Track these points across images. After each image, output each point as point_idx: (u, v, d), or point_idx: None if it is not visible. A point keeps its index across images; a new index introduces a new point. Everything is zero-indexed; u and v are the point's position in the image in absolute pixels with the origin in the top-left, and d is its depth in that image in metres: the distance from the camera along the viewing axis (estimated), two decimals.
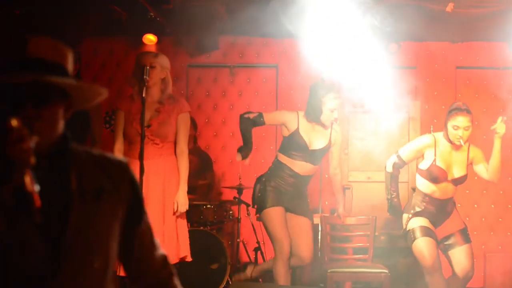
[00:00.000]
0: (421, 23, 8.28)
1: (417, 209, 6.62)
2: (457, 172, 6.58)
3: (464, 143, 6.42)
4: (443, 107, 9.31)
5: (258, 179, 6.89)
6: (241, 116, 6.81)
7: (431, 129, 7.30)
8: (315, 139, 6.76)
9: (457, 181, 6.59)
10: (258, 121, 6.76)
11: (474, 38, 8.94)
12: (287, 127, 6.76)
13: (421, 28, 8.47)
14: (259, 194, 6.78)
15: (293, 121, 6.76)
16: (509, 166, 9.29)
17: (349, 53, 7.69)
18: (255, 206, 6.93)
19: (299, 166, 6.74)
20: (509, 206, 9.35)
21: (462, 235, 6.72)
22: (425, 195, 6.61)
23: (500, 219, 9.36)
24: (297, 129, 6.72)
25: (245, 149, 6.73)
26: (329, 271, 6.75)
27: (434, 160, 6.50)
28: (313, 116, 6.70)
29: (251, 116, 6.75)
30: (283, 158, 6.80)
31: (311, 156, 6.74)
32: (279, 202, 6.70)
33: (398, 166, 6.72)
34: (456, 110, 6.39)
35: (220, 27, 8.50)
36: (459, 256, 6.63)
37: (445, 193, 6.59)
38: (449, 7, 7.55)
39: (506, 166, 9.27)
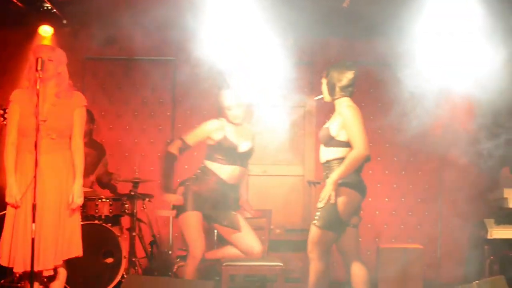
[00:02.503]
0: (317, 19, 8.39)
1: None
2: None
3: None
4: None
5: (182, 183, 6.78)
6: (166, 154, 6.69)
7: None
8: (242, 141, 6.68)
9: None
10: (184, 149, 6.69)
11: (371, 34, 9.10)
12: (212, 138, 6.66)
13: (317, 23, 8.58)
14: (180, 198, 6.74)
15: (218, 129, 6.68)
16: (396, 162, 9.56)
17: (246, 47, 7.73)
18: (175, 209, 6.84)
19: (228, 172, 6.64)
20: (402, 199, 9.58)
21: None
22: None
23: (393, 212, 9.59)
24: (225, 135, 6.64)
25: (169, 184, 6.65)
26: (223, 264, 6.78)
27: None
28: (227, 118, 6.70)
29: (174, 148, 6.67)
30: (210, 165, 6.69)
31: (240, 159, 6.68)
32: (198, 208, 6.62)
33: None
34: None
35: (117, 19, 8.43)
36: None
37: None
38: (346, 3, 7.68)
39: (392, 162, 9.54)
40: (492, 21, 7.66)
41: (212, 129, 6.67)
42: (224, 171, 6.64)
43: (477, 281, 6.21)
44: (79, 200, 5.93)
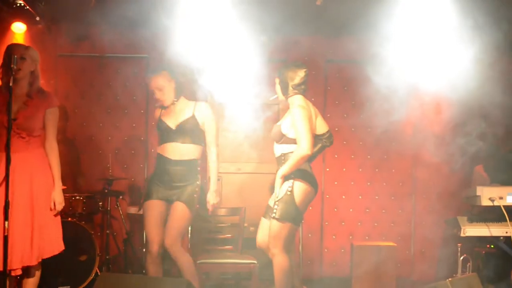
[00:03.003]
0: (290, 17, 8.40)
1: None
2: None
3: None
4: (313, 99, 9.49)
5: (146, 179, 6.80)
6: None
7: None
8: (176, 117, 6.69)
9: None
10: None
11: (343, 33, 9.13)
12: (156, 124, 6.81)
13: (290, 21, 8.59)
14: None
15: (157, 115, 6.84)
16: (369, 160, 9.59)
17: (218, 45, 7.72)
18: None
19: (169, 149, 6.62)
20: (376, 197, 9.61)
21: None
22: None
23: (367, 210, 9.62)
24: (159, 116, 6.75)
25: None
26: (198, 262, 6.79)
27: None
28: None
29: None
30: (158, 149, 6.74)
31: (177, 134, 6.63)
32: (153, 196, 6.58)
33: None
34: None
35: (89, 16, 8.38)
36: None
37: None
38: (319, 1, 7.70)
39: (366, 160, 9.57)
40: (462, 21, 7.71)
41: (155, 117, 6.83)
42: (166, 149, 6.64)
43: (450, 279, 6.26)
44: (60, 206, 5.98)
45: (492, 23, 7.51)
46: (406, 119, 9.29)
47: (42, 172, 5.93)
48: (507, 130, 7.07)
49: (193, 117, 6.63)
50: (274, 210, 6.28)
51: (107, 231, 8.34)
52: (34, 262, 5.83)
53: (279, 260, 6.25)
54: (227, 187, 9.25)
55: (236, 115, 8.29)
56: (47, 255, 5.93)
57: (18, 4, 8.05)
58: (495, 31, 7.56)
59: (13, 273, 5.81)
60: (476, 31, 7.81)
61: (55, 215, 6.03)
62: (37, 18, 8.56)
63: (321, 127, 6.56)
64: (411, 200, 9.62)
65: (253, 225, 8.54)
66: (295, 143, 6.25)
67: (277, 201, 6.29)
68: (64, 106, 8.49)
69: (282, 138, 6.38)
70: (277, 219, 6.25)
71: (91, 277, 7.72)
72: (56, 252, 6.00)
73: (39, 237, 5.85)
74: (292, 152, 6.28)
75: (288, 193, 6.27)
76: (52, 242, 5.97)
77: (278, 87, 6.59)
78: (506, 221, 6.23)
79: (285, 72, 6.49)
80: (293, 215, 6.28)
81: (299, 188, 6.31)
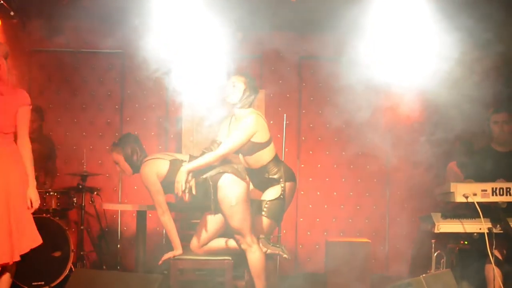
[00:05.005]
0: (266, 13, 8.41)
1: None
2: None
3: None
4: (288, 95, 9.53)
5: None
6: None
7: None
8: None
9: None
10: None
11: (318, 29, 9.14)
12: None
13: (266, 17, 8.60)
14: None
15: None
16: (344, 156, 9.62)
17: (193, 41, 7.71)
18: None
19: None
20: (350, 193, 9.64)
21: None
22: None
23: (342, 206, 9.65)
24: None
25: None
26: (172, 258, 6.77)
27: None
28: None
29: None
30: None
31: None
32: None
33: None
34: None
35: (64, 12, 8.34)
36: None
37: None
38: None
39: (341, 156, 9.61)
40: (441, 18, 7.74)
41: None
42: None
43: (424, 275, 6.29)
44: (37, 204, 5.92)
45: (467, 21, 7.55)
46: (381, 116, 9.33)
47: (16, 168, 5.88)
48: (480, 126, 7.12)
49: None
50: (264, 209, 6.40)
51: (82, 227, 8.32)
52: (15, 258, 5.79)
53: (258, 255, 6.27)
54: None
55: (210, 111, 8.29)
56: (25, 250, 5.88)
57: None
58: (469, 30, 7.60)
59: None
60: (456, 28, 7.85)
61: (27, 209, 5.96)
62: (11, 13, 8.51)
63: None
64: (386, 196, 9.67)
65: None
66: (264, 146, 6.39)
67: (269, 200, 6.43)
68: (39, 105, 8.43)
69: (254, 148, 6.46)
70: (266, 216, 6.39)
71: (65, 273, 7.68)
72: (35, 245, 5.95)
73: (17, 232, 5.80)
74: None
75: (282, 197, 6.42)
76: (31, 236, 5.92)
77: (239, 90, 6.43)
78: (479, 217, 6.25)
79: (252, 84, 6.43)
80: (280, 215, 6.52)
81: (289, 189, 6.50)
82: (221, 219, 6.41)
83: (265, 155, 6.42)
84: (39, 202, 5.99)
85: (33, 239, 5.95)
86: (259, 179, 6.54)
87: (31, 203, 5.88)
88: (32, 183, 5.93)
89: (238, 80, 6.44)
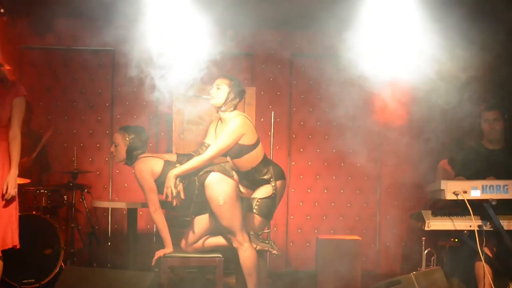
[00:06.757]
0: (257, 10, 8.39)
1: None
2: None
3: None
4: (279, 93, 9.52)
5: None
6: None
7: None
8: None
9: None
10: None
11: (309, 27, 9.14)
12: None
13: (257, 15, 8.58)
14: None
15: None
16: (335, 154, 9.63)
17: (185, 39, 7.70)
18: None
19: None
20: (341, 191, 9.65)
21: None
22: None
23: (332, 204, 9.66)
24: None
25: None
26: (163, 256, 6.77)
27: None
28: None
29: None
30: None
31: None
32: None
33: None
34: None
35: (55, 9, 8.32)
36: None
37: None
38: None
39: (331, 154, 9.61)
40: (430, 15, 7.75)
41: None
42: None
43: (414, 272, 6.31)
44: (13, 191, 5.80)
45: (457, 19, 7.57)
46: (372, 114, 9.33)
47: (6, 163, 5.85)
48: (470, 124, 7.13)
49: None
50: (256, 207, 6.43)
51: (72, 225, 8.30)
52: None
53: (250, 253, 6.28)
54: None
55: (200, 108, 8.27)
56: (3, 247, 5.84)
57: None
58: (459, 28, 7.62)
59: None
60: (446, 26, 7.86)
61: (9, 202, 5.87)
62: (1, 10, 8.48)
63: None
64: (376, 194, 9.68)
65: None
66: (251, 149, 6.41)
67: (260, 199, 6.46)
68: (28, 100, 8.41)
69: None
70: (258, 214, 6.43)
71: (55, 271, 7.66)
72: (10, 246, 5.89)
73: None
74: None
75: (273, 195, 6.48)
76: (9, 234, 5.87)
77: (226, 90, 6.41)
78: (470, 215, 6.26)
79: (237, 88, 6.41)
80: (271, 213, 6.57)
81: (281, 188, 6.57)
82: (207, 219, 6.42)
83: (254, 157, 6.43)
84: (16, 189, 5.86)
85: (10, 240, 5.87)
86: (248, 180, 6.57)
87: (7, 189, 5.79)
88: (14, 170, 5.86)
89: (222, 82, 6.42)
